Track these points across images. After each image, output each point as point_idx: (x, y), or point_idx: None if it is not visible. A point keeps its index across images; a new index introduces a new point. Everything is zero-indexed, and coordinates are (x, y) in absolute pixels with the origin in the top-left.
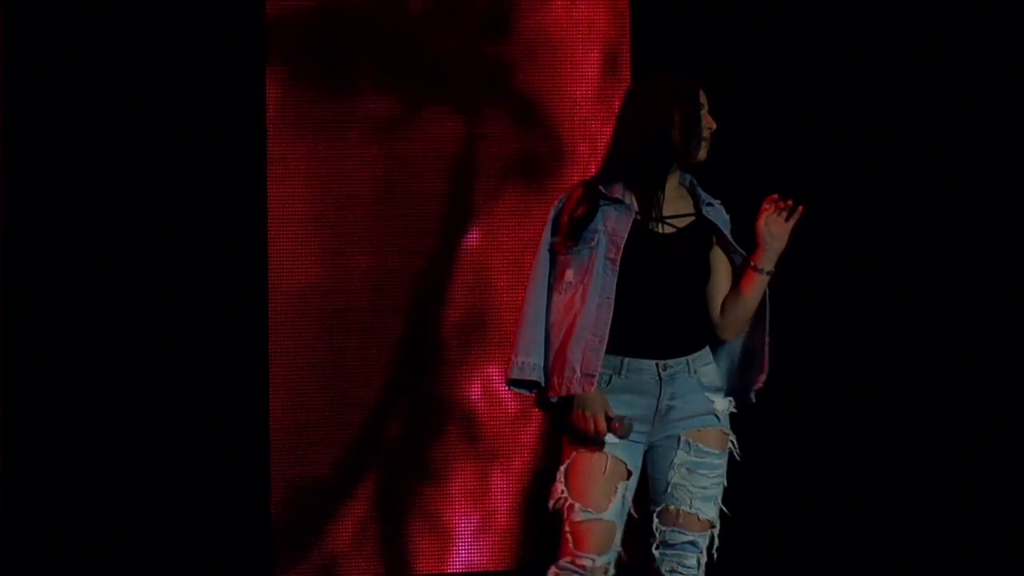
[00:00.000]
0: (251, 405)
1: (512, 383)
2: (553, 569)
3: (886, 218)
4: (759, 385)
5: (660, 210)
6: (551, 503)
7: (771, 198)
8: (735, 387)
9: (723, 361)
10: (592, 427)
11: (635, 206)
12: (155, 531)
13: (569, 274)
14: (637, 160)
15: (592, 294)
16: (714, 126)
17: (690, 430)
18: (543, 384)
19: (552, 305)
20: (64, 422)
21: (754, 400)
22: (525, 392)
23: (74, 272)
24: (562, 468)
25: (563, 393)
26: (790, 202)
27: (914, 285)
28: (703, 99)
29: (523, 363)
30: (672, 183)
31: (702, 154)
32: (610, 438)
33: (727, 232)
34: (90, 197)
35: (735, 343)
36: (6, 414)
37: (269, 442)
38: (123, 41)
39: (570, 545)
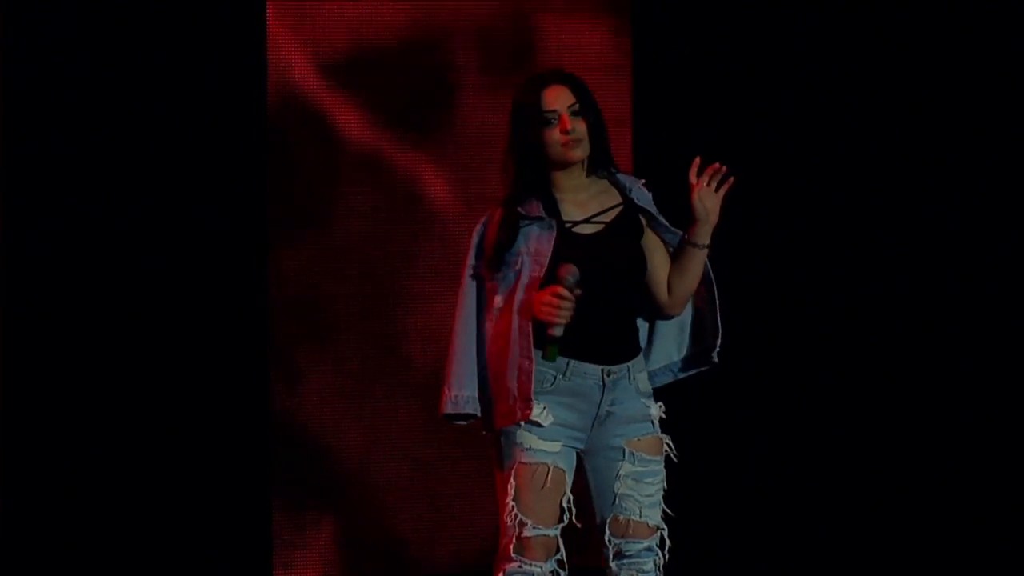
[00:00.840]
0: (251, 407)
1: (448, 417)
2: None
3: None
4: (717, 348)
5: (588, 214)
6: (505, 517)
7: (695, 166)
8: (692, 354)
9: (672, 332)
10: (562, 308)
11: (554, 219)
12: (156, 533)
13: (497, 300)
14: (523, 177)
15: (515, 315)
16: (568, 127)
17: (630, 440)
18: (479, 415)
19: (486, 333)
20: (64, 420)
21: (716, 361)
22: (463, 423)
23: (71, 271)
24: (511, 483)
25: (508, 424)
26: (717, 166)
27: (854, 282)
28: (554, 100)
29: (456, 396)
30: (580, 183)
31: (567, 155)
32: (550, 446)
33: (655, 211)
34: (86, 196)
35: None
36: (5, 414)
37: (269, 442)
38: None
39: (518, 554)
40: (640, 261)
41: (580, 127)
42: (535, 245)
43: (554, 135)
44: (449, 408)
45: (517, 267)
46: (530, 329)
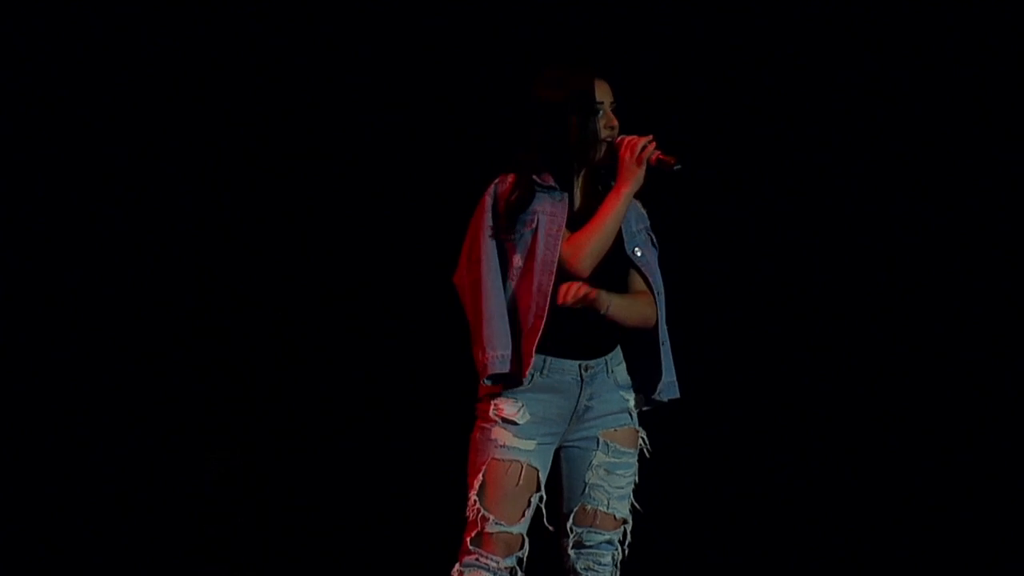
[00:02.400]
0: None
1: (490, 378)
2: (457, 567)
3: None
4: (661, 389)
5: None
6: (468, 513)
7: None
8: (643, 385)
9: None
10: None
11: (566, 193)
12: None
13: (517, 259)
14: (543, 162)
15: (537, 273)
16: (615, 123)
17: (606, 430)
18: (514, 371)
19: (511, 294)
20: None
21: (664, 400)
22: (498, 384)
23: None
24: (479, 477)
25: (525, 377)
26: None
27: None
28: (602, 93)
29: (503, 356)
30: (587, 180)
31: (600, 156)
32: (525, 444)
33: (629, 228)
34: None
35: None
36: None
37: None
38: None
39: (476, 547)
40: (617, 266)
41: (618, 126)
42: (550, 207)
43: (601, 126)
44: (497, 368)
45: (533, 225)
46: (549, 288)
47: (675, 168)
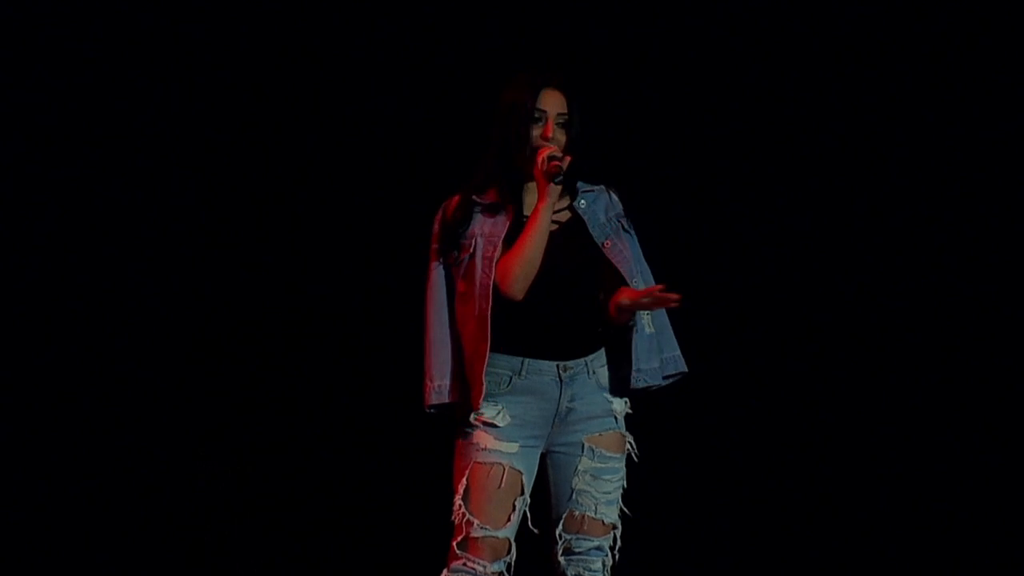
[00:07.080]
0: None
1: (431, 408)
2: (445, 573)
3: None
4: (667, 362)
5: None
6: (453, 517)
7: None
8: (652, 368)
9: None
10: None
11: (510, 206)
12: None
13: (461, 284)
14: (496, 166)
15: (477, 297)
16: (549, 135)
17: (591, 435)
18: (459, 401)
19: (457, 318)
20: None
21: (672, 372)
22: (434, 412)
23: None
24: (463, 481)
25: (480, 404)
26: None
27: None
28: (549, 102)
29: (439, 387)
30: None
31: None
32: (507, 447)
33: (598, 220)
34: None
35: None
36: None
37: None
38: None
39: (463, 551)
40: (588, 265)
41: (560, 138)
42: (489, 228)
43: (535, 135)
44: (434, 399)
45: (471, 250)
46: (489, 312)
47: (555, 181)
